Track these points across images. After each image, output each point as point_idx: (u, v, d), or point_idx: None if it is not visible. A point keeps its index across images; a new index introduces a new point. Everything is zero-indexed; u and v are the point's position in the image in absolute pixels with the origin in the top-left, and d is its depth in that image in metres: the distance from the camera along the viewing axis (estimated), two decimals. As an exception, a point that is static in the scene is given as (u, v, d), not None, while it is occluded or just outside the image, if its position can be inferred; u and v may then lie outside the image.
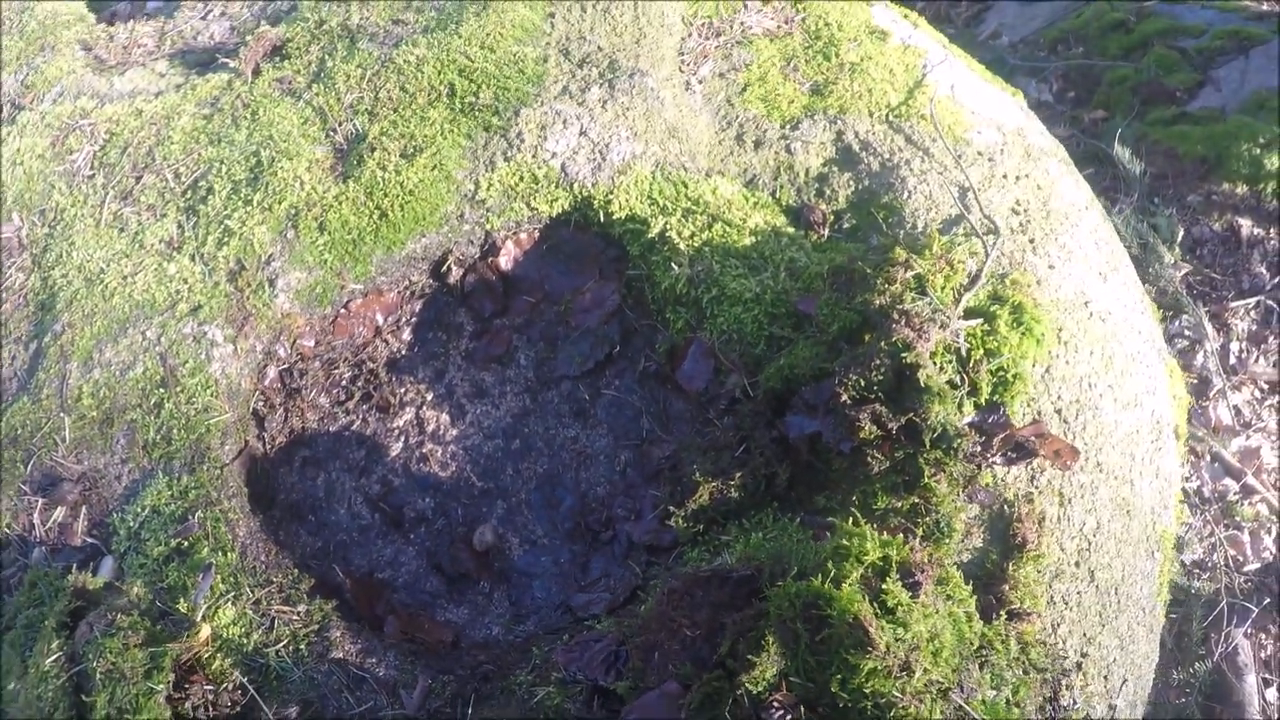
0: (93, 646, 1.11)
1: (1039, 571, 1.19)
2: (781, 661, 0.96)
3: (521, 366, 1.38)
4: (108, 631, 1.11)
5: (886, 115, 1.49)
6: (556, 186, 1.37)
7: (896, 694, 0.93)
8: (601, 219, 1.36)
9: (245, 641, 1.15)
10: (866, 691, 0.93)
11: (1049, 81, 2.65)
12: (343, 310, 1.39)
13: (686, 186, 1.36)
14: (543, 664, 1.14)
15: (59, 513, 1.35)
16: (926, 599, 0.99)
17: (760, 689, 0.97)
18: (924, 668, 0.94)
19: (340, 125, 1.47)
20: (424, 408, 1.37)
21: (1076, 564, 1.23)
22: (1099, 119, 2.45)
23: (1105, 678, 1.21)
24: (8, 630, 1.30)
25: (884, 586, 0.98)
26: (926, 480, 1.13)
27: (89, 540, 1.33)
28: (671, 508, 1.19)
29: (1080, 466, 1.27)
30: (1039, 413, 1.28)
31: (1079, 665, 1.18)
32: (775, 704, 0.97)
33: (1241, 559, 2.24)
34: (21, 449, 1.38)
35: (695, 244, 1.31)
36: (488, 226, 1.38)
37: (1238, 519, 2.26)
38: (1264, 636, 2.19)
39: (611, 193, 1.35)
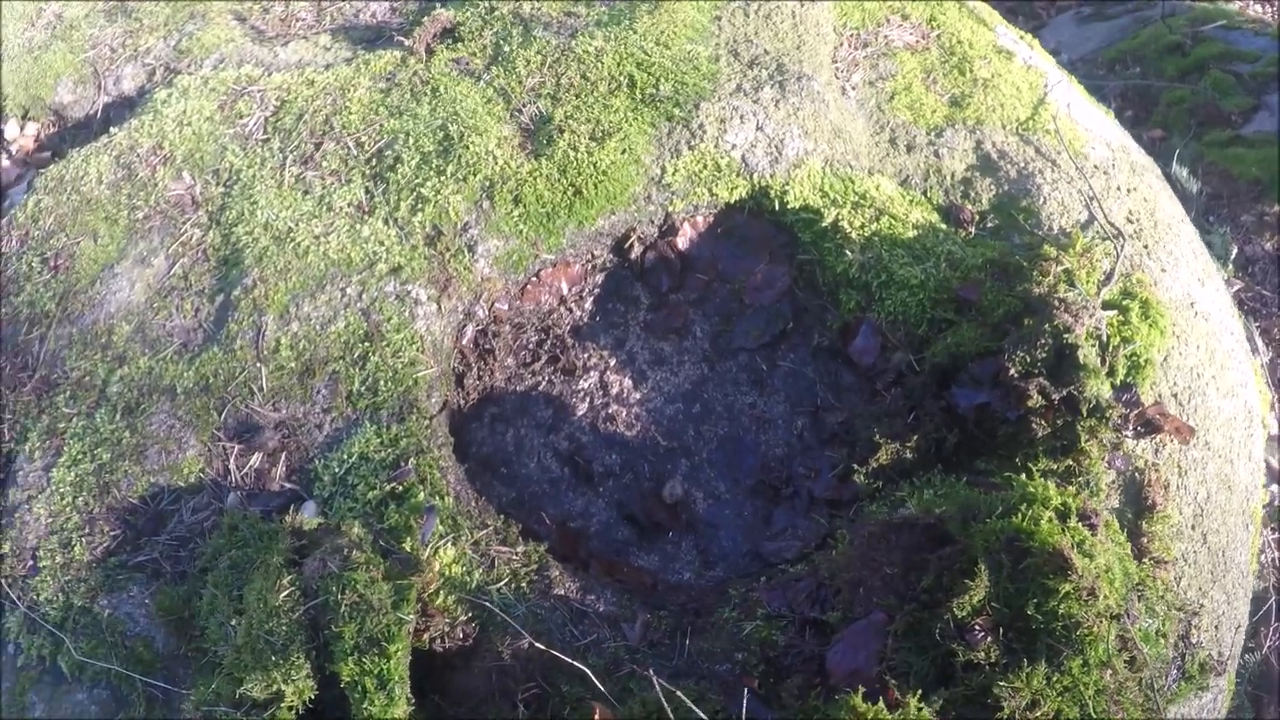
0: (334, 580, 1.28)
1: (1166, 530, 1.47)
2: (986, 589, 1.22)
3: (698, 338, 1.61)
4: (347, 567, 1.29)
5: (1017, 128, 1.78)
6: (737, 175, 1.61)
7: (1083, 616, 1.19)
8: (776, 207, 1.61)
9: (468, 579, 1.35)
10: (1059, 613, 1.19)
11: (1108, 101, 3.01)
12: (533, 279, 1.61)
13: (853, 182, 1.62)
14: (743, 602, 1.37)
15: (256, 459, 1.52)
16: (1101, 537, 1.26)
17: (965, 614, 1.22)
18: (1104, 594, 1.21)
19: (524, 107, 1.69)
20: (607, 372, 1.59)
21: (1193, 527, 1.52)
22: (1157, 138, 2.81)
23: (1216, 627, 1.50)
24: (206, 571, 1.47)
25: (1070, 525, 1.24)
26: (1082, 445, 1.41)
27: (287, 485, 1.51)
28: (855, 465, 1.44)
29: (1194, 444, 1.56)
30: (1159, 395, 1.57)
31: (1197, 614, 1.47)
32: (977, 627, 1.22)
33: (1283, 558, 2.58)
34: (214, 397, 1.56)
35: (865, 234, 1.57)
36: (669, 208, 1.62)
37: None
38: (1304, 631, 2.53)
39: (788, 184, 1.60)
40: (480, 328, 1.58)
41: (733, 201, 1.63)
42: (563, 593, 1.35)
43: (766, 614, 1.34)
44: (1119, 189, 1.78)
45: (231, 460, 1.53)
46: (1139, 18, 3.04)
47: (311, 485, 1.48)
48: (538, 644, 1.23)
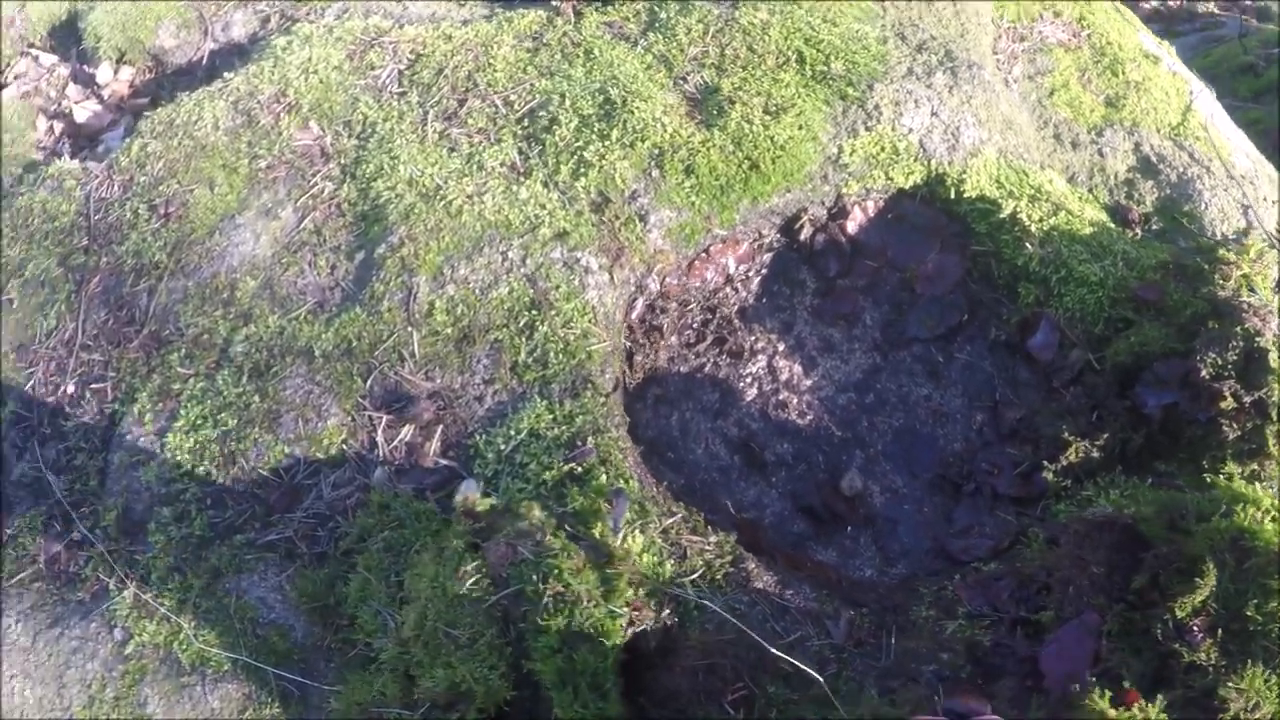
0: (530, 568, 1.18)
1: (1341, 541, 1.48)
2: (1211, 589, 1.19)
3: (868, 326, 1.56)
4: (543, 553, 1.19)
5: (1170, 133, 1.79)
6: (914, 160, 1.57)
7: (1309, 619, 1.17)
8: (951, 195, 1.58)
9: (660, 570, 1.27)
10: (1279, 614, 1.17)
11: (1174, 124, 3.07)
12: (702, 254, 1.54)
13: (1027, 175, 1.60)
14: (939, 600, 1.32)
15: (407, 431, 1.42)
16: (1319, 543, 1.25)
17: (1185, 614, 1.19)
18: (1326, 598, 1.20)
19: (688, 75, 1.63)
20: (776, 357, 1.53)
21: (1356, 539, 1.53)
22: (1227, 164, 2.88)
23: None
24: (352, 553, 1.36)
25: (1291, 529, 1.23)
26: (1269, 449, 1.40)
27: (442, 462, 1.41)
28: (1045, 463, 1.41)
29: (1353, 456, 1.58)
30: (1321, 407, 1.58)
31: (1365, 626, 1.47)
32: (1195, 627, 1.20)
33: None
34: (359, 362, 1.45)
35: (1044, 228, 1.55)
36: (843, 190, 1.57)
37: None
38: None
39: (964, 173, 1.57)
40: (649, 302, 1.51)
41: (907, 187, 1.59)
42: (761, 586, 1.29)
43: (968, 613, 1.30)
44: (1264, 200, 1.80)
45: (379, 432, 1.42)
46: (1208, 37, 3.12)
47: (471, 462, 1.39)
48: (773, 648, 1.15)
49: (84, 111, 1.80)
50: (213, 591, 1.38)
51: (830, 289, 1.58)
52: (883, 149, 1.57)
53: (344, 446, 1.42)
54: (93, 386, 1.52)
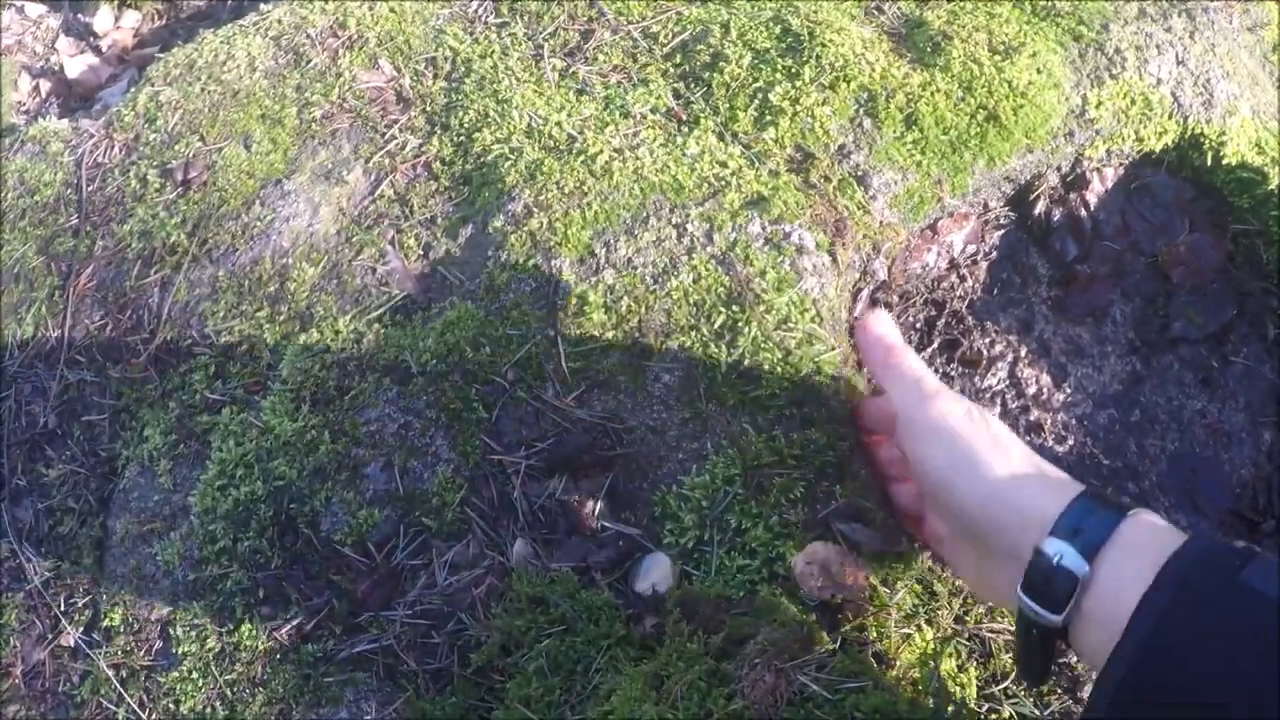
0: (829, 711, 0.72)
1: None
2: None
3: (1118, 323, 1.18)
4: (839, 685, 0.74)
5: (1387, 99, 1.47)
6: (1168, 118, 1.20)
7: None
8: (1207, 162, 1.21)
9: (962, 679, 0.84)
10: None
11: None
12: (926, 231, 1.12)
13: (1285, 137, 1.24)
14: None
15: (555, 484, 0.95)
16: None
17: None
18: None
19: (883, 5, 1.21)
20: (1019, 365, 1.13)
21: None
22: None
23: None
24: (492, 670, 0.89)
25: None
26: None
27: (612, 527, 0.95)
28: (1375, 494, 1.05)
29: None
30: None
31: None
32: None
33: None
34: (478, 383, 0.98)
35: (1317, 201, 1.19)
36: (1086, 153, 1.19)
37: None
38: None
39: (1224, 134, 1.21)
40: (872, 293, 1.08)
41: (1156, 150, 1.22)
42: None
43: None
44: None
45: (516, 485, 0.95)
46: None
47: (657, 527, 0.93)
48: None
49: (77, 65, 1.27)
50: (281, 725, 0.88)
51: (1069, 277, 1.19)
52: (1132, 102, 1.19)
53: (464, 508, 0.94)
54: (84, 419, 0.99)
